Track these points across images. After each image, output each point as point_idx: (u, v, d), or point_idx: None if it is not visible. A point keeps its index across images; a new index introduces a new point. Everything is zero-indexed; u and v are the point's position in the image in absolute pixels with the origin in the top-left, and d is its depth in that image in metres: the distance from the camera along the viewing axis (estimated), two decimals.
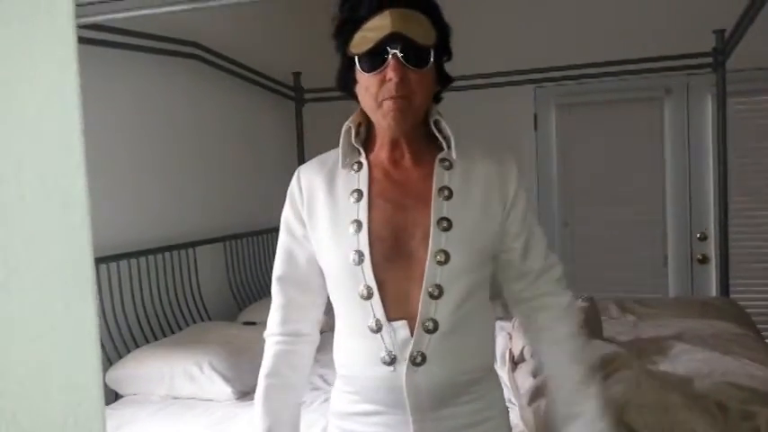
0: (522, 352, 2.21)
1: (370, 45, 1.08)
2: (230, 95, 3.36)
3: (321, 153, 1.28)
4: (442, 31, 1.14)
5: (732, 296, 3.43)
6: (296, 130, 3.98)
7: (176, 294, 2.79)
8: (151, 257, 2.62)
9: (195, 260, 2.93)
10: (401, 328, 1.11)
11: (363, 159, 1.19)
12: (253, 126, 3.60)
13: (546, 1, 4.22)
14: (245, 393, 2.17)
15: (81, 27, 2.08)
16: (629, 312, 2.98)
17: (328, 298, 1.26)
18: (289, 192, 1.25)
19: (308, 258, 1.23)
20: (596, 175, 4.23)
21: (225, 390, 2.11)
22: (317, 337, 1.30)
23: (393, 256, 1.13)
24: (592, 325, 2.44)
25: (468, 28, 4.34)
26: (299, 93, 3.94)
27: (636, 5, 4.03)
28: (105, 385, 2.16)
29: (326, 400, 1.90)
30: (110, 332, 2.34)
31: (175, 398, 2.16)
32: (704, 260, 4.08)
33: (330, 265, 1.19)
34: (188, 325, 2.75)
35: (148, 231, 2.67)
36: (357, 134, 1.20)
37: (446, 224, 1.12)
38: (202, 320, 2.89)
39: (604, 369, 1.88)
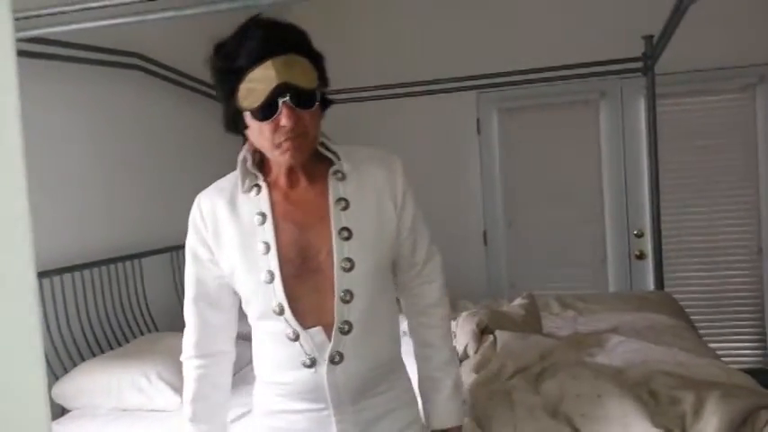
0: (465, 349, 2.28)
1: (261, 99, 1.11)
2: (175, 105, 3.35)
3: None
4: (317, 62, 1.18)
5: (667, 289, 3.58)
6: (242, 138, 3.96)
7: (123, 307, 2.77)
8: (96, 270, 2.59)
9: (141, 271, 2.91)
10: (317, 333, 1.19)
11: (261, 182, 1.24)
12: (198, 136, 3.59)
13: (489, 11, 4.34)
14: None
15: (20, 41, 2.06)
16: (570, 308, 3.09)
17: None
18: (191, 220, 1.29)
19: (217, 280, 1.28)
20: (537, 176, 4.36)
21: (174, 399, 2.10)
22: (233, 353, 1.37)
23: (302, 273, 1.20)
24: (531, 321, 2.53)
25: (413, 36, 4.44)
26: None
27: (573, 14, 4.19)
28: (51, 400, 2.13)
29: None
30: (55, 347, 2.31)
31: (124, 410, 2.14)
32: (641, 256, 4.25)
33: (244, 285, 1.24)
34: (135, 337, 2.73)
35: (94, 244, 2.64)
36: (254, 160, 1.25)
37: (347, 234, 1.20)
38: (150, 332, 2.87)
39: (542, 362, 1.97)
